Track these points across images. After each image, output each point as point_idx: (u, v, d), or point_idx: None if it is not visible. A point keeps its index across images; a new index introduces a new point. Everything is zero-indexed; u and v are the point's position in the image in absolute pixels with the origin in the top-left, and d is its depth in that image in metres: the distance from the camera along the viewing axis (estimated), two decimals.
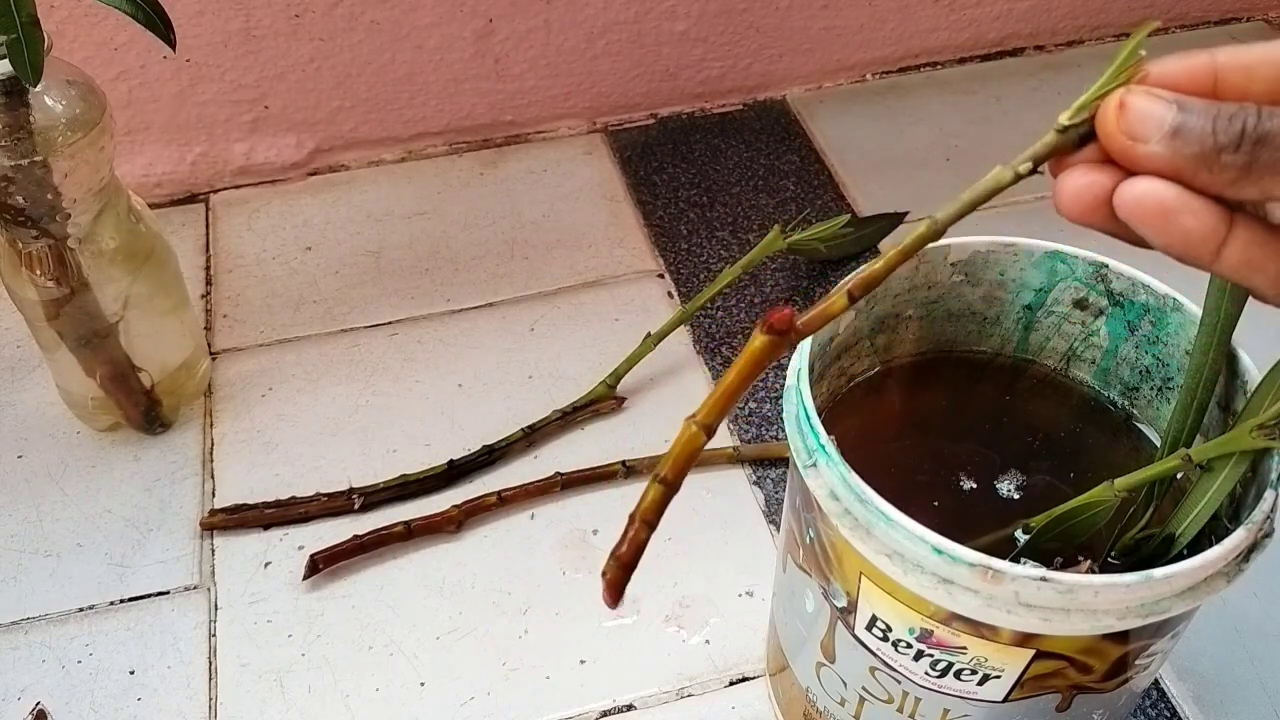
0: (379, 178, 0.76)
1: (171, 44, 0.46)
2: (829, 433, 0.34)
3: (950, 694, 0.36)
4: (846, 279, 0.29)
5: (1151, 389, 0.40)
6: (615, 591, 0.31)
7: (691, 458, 0.30)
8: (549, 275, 0.68)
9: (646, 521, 0.31)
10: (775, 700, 0.48)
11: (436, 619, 0.52)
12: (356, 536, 0.54)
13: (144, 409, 0.58)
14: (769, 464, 0.58)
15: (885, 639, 0.35)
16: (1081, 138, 0.26)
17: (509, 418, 0.60)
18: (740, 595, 0.53)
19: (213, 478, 0.58)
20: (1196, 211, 0.25)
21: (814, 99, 0.83)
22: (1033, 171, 0.27)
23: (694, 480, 0.57)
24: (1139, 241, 0.27)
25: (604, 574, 0.30)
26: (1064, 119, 0.26)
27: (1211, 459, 0.34)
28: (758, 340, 0.28)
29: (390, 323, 0.66)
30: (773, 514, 0.56)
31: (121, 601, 0.53)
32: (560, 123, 0.80)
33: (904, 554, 0.32)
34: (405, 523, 0.54)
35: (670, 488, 0.30)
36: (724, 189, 0.75)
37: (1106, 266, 0.40)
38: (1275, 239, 0.26)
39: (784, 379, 0.62)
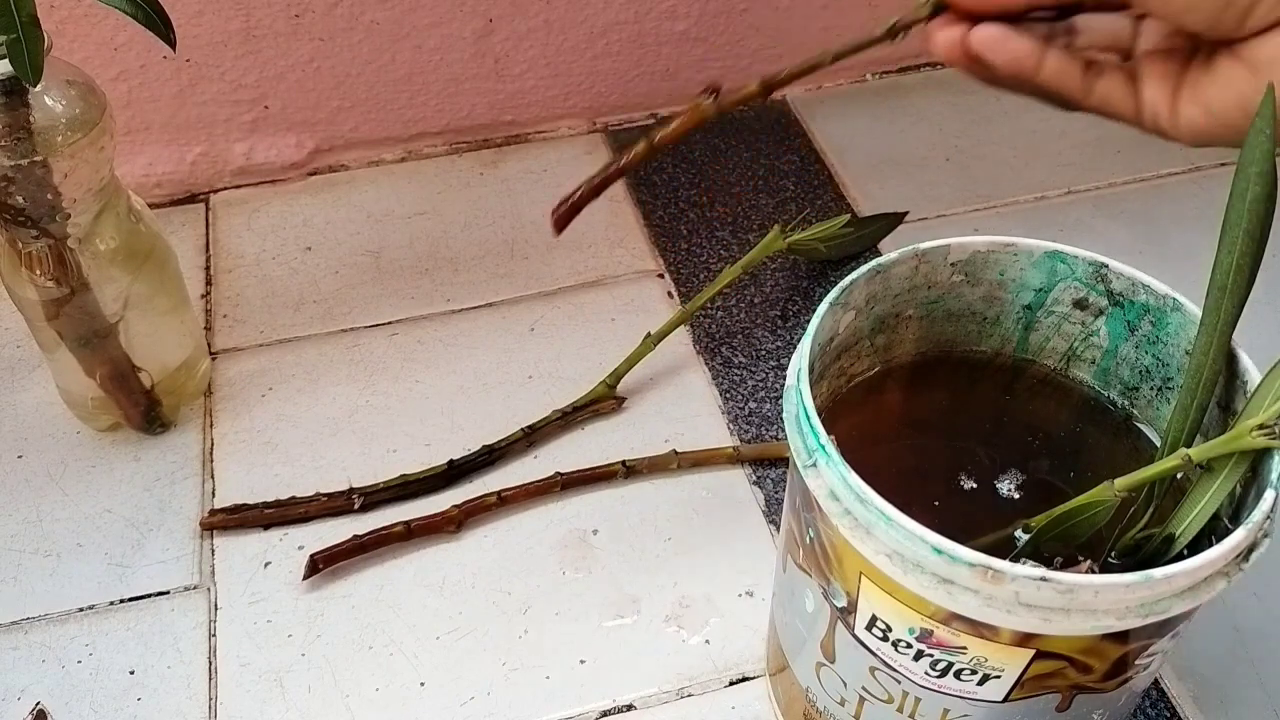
0: (379, 178, 0.76)
1: (171, 44, 0.46)
2: (829, 433, 0.34)
3: (950, 694, 0.36)
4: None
5: (1151, 389, 0.40)
6: (565, 218, 0.41)
7: (690, 124, 0.41)
8: (549, 275, 0.68)
9: (620, 168, 0.42)
10: (775, 700, 0.48)
11: (436, 619, 0.52)
12: (356, 536, 0.54)
13: (144, 409, 0.58)
14: (769, 464, 0.58)
15: (885, 639, 0.35)
16: (935, 8, 0.38)
17: (509, 418, 0.60)
18: (740, 595, 0.53)
19: (213, 478, 0.58)
20: (1019, 38, 0.37)
21: (814, 99, 0.83)
22: (897, 33, 0.39)
23: (694, 480, 0.58)
24: (989, 78, 0.38)
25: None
26: (928, 1, 0.38)
27: (1211, 459, 0.34)
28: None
29: (390, 323, 0.66)
30: (773, 514, 0.56)
31: (121, 601, 0.53)
32: (560, 123, 0.80)
33: (904, 554, 0.32)
34: (405, 523, 0.54)
35: (654, 151, 0.41)
36: (724, 189, 0.75)
37: (1106, 266, 0.40)
38: (1074, 60, 0.37)
39: (784, 379, 0.63)
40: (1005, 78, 0.37)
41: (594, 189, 0.45)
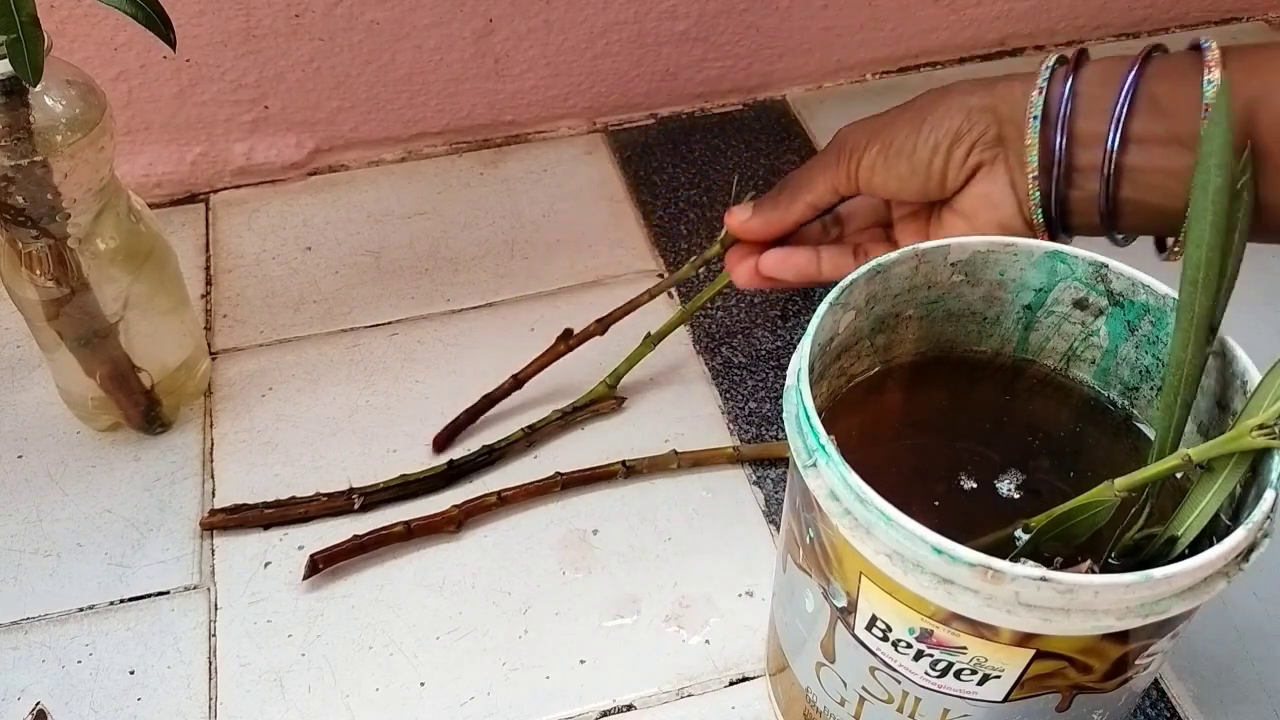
0: (379, 178, 0.76)
1: (172, 44, 0.46)
2: (829, 433, 0.34)
3: (950, 694, 0.36)
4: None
5: (1151, 389, 0.40)
6: (445, 440, 0.58)
7: (548, 362, 0.60)
8: (549, 275, 0.69)
9: (492, 399, 0.59)
10: (775, 700, 0.48)
11: (436, 619, 0.52)
12: (356, 536, 0.54)
13: (144, 409, 0.58)
14: (769, 464, 0.58)
15: (885, 639, 0.35)
16: (726, 246, 0.51)
17: (509, 418, 0.60)
18: (740, 595, 0.53)
19: (213, 478, 0.58)
20: (799, 252, 0.49)
21: (814, 99, 0.83)
22: (700, 266, 0.55)
23: (694, 480, 0.58)
24: (784, 288, 0.52)
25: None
26: (718, 241, 0.52)
27: (1211, 459, 0.34)
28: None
29: (390, 323, 0.66)
30: (773, 514, 0.56)
31: (121, 601, 0.53)
32: (560, 123, 0.80)
33: (904, 554, 0.32)
34: (405, 523, 0.54)
35: (519, 384, 0.60)
36: (724, 189, 0.75)
37: (1106, 266, 0.40)
38: (845, 250, 0.49)
39: (784, 379, 0.62)
40: (796, 284, 0.49)
41: (470, 416, 0.59)
